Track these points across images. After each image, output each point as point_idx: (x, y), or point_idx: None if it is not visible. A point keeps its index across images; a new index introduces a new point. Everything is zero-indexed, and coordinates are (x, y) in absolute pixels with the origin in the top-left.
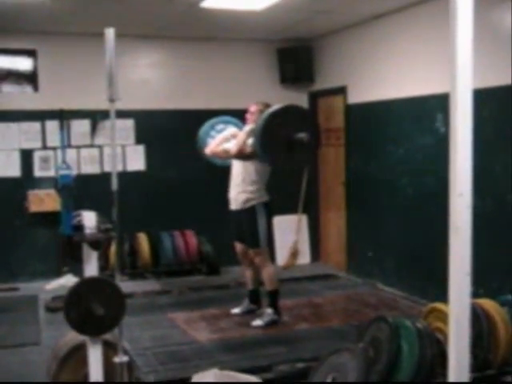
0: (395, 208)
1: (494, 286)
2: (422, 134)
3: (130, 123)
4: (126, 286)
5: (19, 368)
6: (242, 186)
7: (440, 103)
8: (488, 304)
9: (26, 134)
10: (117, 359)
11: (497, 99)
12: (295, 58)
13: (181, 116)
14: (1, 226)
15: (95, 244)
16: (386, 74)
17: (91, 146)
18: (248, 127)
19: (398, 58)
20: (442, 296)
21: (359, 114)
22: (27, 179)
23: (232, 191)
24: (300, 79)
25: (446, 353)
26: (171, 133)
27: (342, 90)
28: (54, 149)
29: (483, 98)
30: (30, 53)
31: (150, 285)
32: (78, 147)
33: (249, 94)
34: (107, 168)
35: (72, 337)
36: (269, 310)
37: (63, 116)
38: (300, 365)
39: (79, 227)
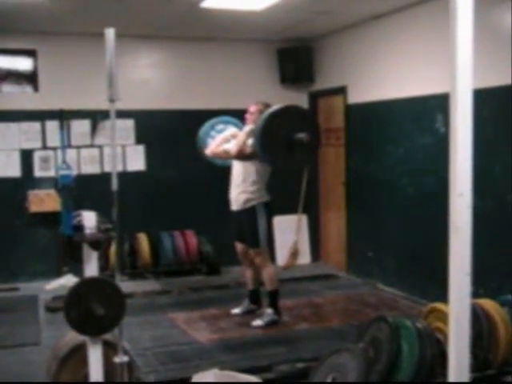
0: (395, 208)
1: (493, 286)
2: (422, 134)
3: (130, 123)
4: (126, 286)
5: (19, 368)
6: (242, 187)
7: (440, 103)
8: (488, 304)
9: (26, 134)
10: (117, 359)
11: (497, 99)
12: (295, 58)
13: (181, 116)
14: (1, 226)
15: (95, 244)
16: (385, 74)
17: (91, 146)
18: (248, 127)
19: (398, 58)
20: (442, 296)
21: (359, 114)
22: (27, 179)
23: (232, 192)
24: (300, 79)
25: (446, 353)
26: (171, 133)
27: (342, 90)
28: (54, 149)
29: (483, 98)
30: (30, 53)
31: (150, 285)
32: (78, 147)
33: (249, 94)
34: (107, 168)
35: (72, 337)
36: (269, 310)
37: (63, 116)
38: (300, 365)
39: (79, 227)
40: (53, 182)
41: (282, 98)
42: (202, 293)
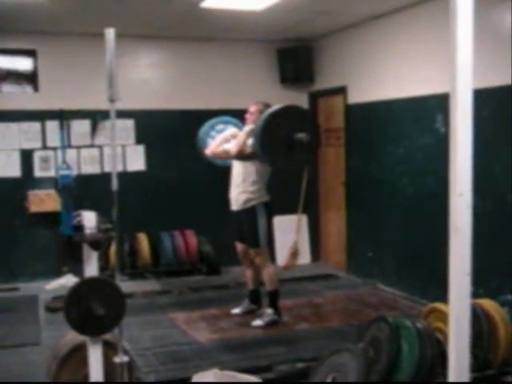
0: (395, 208)
1: (493, 286)
2: (422, 134)
3: (130, 123)
4: (126, 286)
5: (19, 368)
6: (242, 187)
7: (440, 103)
8: (488, 304)
9: (26, 134)
10: (117, 359)
11: (497, 99)
12: (295, 58)
13: (181, 116)
14: (1, 226)
15: (95, 244)
16: (386, 74)
17: (91, 146)
18: (248, 127)
19: (398, 58)
20: (442, 296)
21: (359, 113)
22: (27, 179)
23: (233, 192)
24: (300, 79)
25: (446, 353)
26: (171, 133)
27: (342, 90)
28: (54, 149)
29: (483, 98)
30: (30, 53)
31: (150, 285)
32: (78, 147)
33: (249, 94)
34: (107, 168)
35: (72, 337)
36: (269, 310)
37: (63, 116)
38: (300, 365)
39: (79, 227)
40: (53, 182)
41: (282, 97)
42: (202, 293)
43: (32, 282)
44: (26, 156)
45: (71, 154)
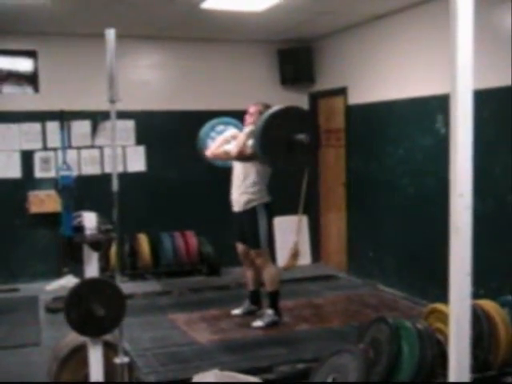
0: (395, 209)
1: (494, 287)
2: (422, 134)
3: (130, 124)
4: (126, 286)
5: (19, 369)
6: (243, 188)
7: (440, 104)
8: (488, 305)
9: (26, 135)
10: (117, 360)
11: (497, 100)
12: (295, 59)
13: (181, 117)
14: (1, 226)
15: (96, 245)
16: (386, 75)
17: (92, 146)
18: (248, 128)
19: (399, 59)
20: (443, 297)
21: (360, 114)
22: (28, 180)
23: (234, 193)
24: (300, 80)
25: (446, 353)
26: (172, 134)
27: (342, 91)
28: (55, 150)
29: (483, 99)
30: (31, 54)
31: (150, 286)
32: (79, 148)
33: (249, 94)
34: (108, 169)
35: (72, 338)
36: (269, 311)
37: (64, 117)
38: (300, 366)
39: (80, 228)
40: (53, 183)
41: (283, 98)
42: (203, 294)
43: (32, 282)
44: (27, 157)
45: (71, 154)
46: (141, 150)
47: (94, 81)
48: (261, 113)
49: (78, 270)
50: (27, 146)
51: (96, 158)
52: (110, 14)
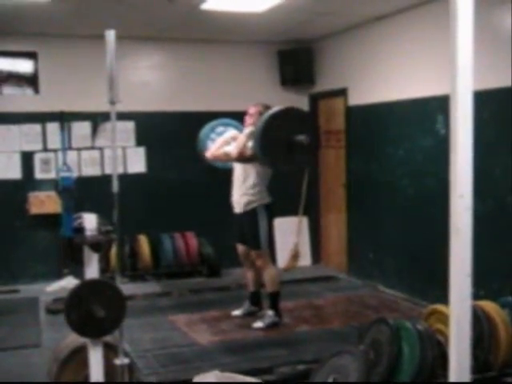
0: (396, 210)
1: (494, 288)
2: (422, 135)
3: (130, 125)
4: (126, 288)
5: (20, 370)
6: (243, 189)
7: (441, 105)
8: (489, 306)
9: (26, 136)
10: (117, 361)
11: (497, 101)
12: (296, 60)
13: (181, 118)
14: (1, 227)
15: (96, 246)
16: (386, 76)
17: (92, 148)
18: (248, 129)
19: (399, 60)
20: (443, 298)
21: (360, 115)
22: (28, 181)
23: (234, 194)
24: (300, 81)
25: (446, 354)
26: (172, 135)
27: (342, 92)
28: (55, 151)
29: (483, 100)
30: (31, 55)
31: (150, 287)
32: (79, 149)
33: (249, 95)
34: (108, 170)
35: (73, 339)
36: (270, 312)
37: (64, 118)
38: (301, 367)
39: (80, 229)
40: (53, 184)
41: (283, 99)
42: (203, 295)
43: (32, 283)
44: (27, 158)
45: (72, 155)
46: (141, 151)
47: (94, 82)
48: (261, 114)
49: (78, 272)
50: (27, 147)
51: (96, 159)
52: (110, 15)
